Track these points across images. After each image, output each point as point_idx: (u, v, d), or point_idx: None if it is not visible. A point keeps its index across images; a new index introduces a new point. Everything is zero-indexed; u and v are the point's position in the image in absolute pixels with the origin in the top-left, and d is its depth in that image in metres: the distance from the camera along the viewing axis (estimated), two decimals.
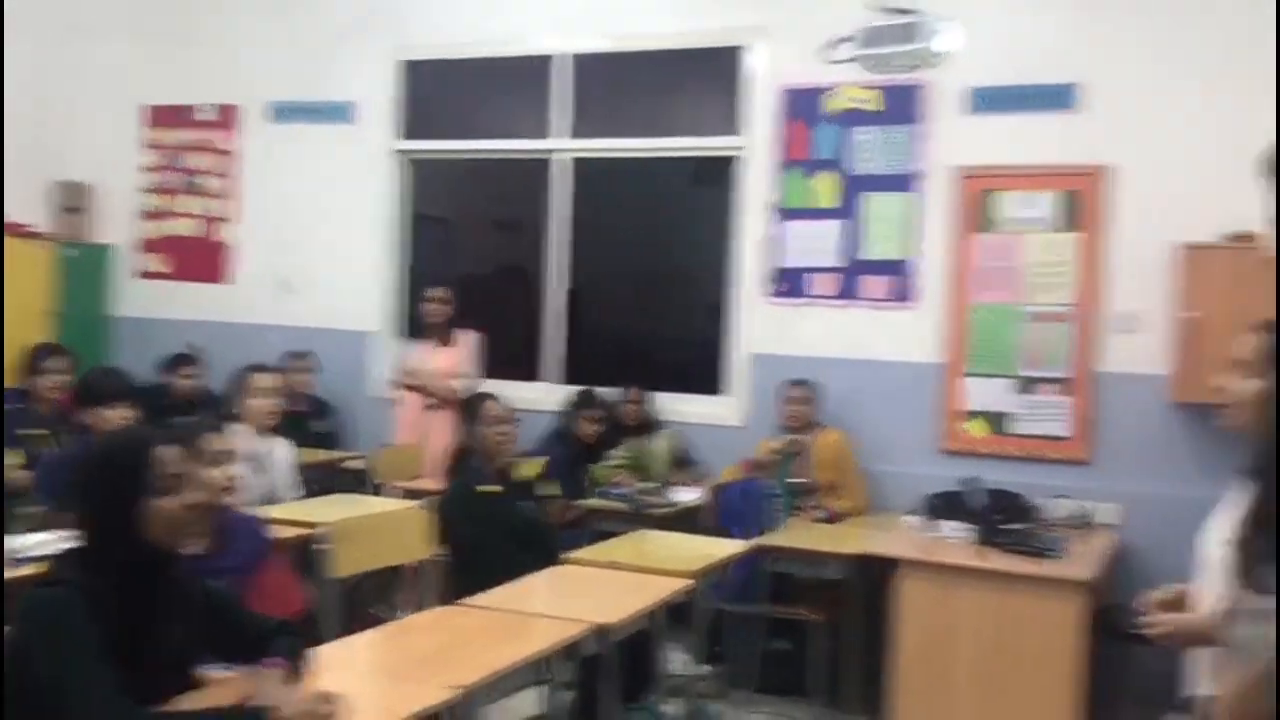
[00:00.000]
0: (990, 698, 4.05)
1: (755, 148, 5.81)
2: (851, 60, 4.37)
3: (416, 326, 6.23)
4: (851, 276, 5.61)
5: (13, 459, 4.25)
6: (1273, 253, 1.66)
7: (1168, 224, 4.93)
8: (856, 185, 5.60)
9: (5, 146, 6.74)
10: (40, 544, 3.10)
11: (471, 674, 2.59)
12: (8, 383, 4.98)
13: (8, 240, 6.57)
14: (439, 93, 6.69)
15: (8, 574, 3.01)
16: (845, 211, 5.63)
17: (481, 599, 3.26)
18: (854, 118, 5.60)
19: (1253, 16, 4.78)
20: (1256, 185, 1.74)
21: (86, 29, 7.16)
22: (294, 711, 2.12)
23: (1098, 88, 5.15)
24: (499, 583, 3.41)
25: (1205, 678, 2.12)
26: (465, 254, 7.26)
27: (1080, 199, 5.18)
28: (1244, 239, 4.57)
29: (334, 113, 6.72)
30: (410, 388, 6.05)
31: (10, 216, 6.70)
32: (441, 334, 6.07)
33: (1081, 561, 4.19)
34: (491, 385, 5.65)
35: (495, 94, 6.63)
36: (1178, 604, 2.24)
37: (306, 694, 2.22)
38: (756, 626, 4.76)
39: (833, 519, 5.09)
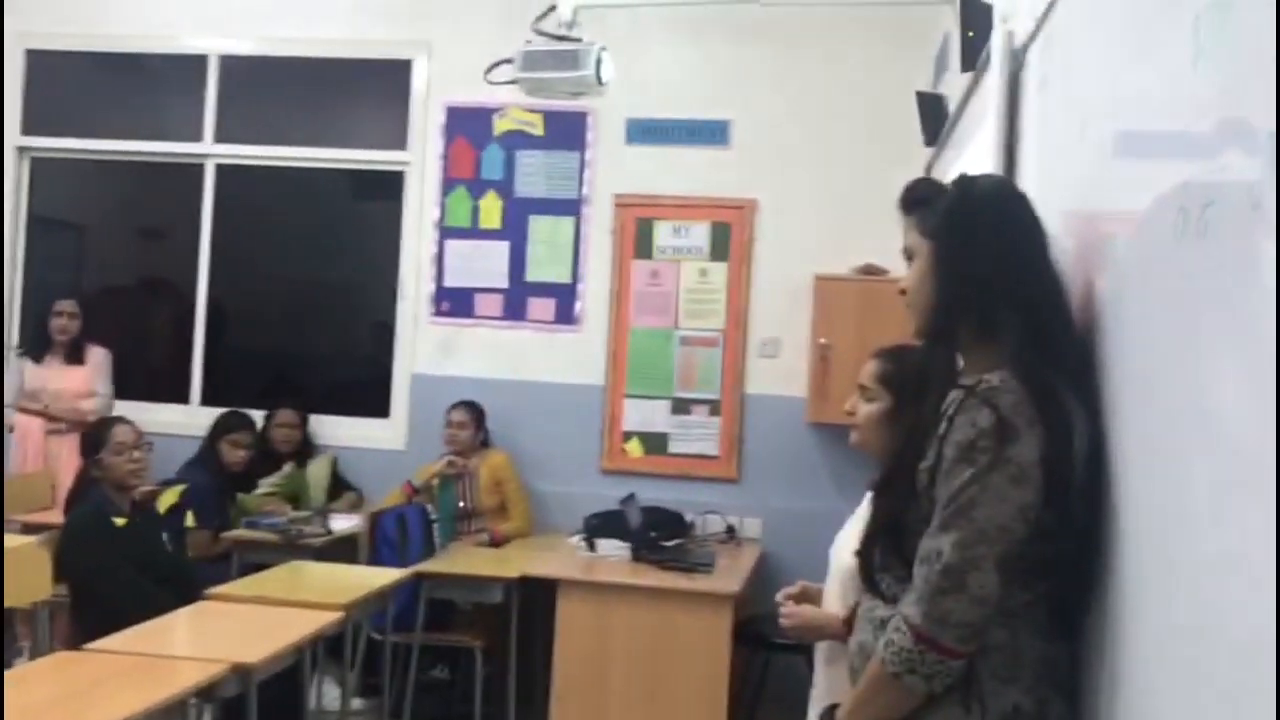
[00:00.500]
0: (644, 710, 4.15)
1: (421, 164, 5.72)
2: (512, 82, 4.38)
3: (40, 342, 5.64)
4: (517, 298, 5.63)
5: None
6: (906, 283, 1.80)
7: (805, 256, 5.29)
8: (522, 207, 5.64)
9: None
10: None
11: None
12: None
13: None
14: (70, 86, 6.12)
15: None
16: (511, 233, 5.65)
17: (108, 642, 2.99)
18: (519, 140, 5.64)
19: (892, 63, 5.21)
20: (894, 221, 1.88)
21: None
22: None
23: (746, 125, 5.46)
24: (131, 623, 3.14)
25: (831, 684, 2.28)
26: (101, 264, 6.68)
27: (730, 230, 5.46)
28: (873, 271, 4.99)
29: None
30: (30, 411, 5.47)
31: None
32: (69, 351, 5.54)
33: (729, 575, 4.40)
34: (129, 407, 5.21)
35: (137, 92, 6.15)
36: (808, 599, 2.43)
37: None
38: (415, 655, 4.65)
39: (496, 542, 5.07)
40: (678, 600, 4.17)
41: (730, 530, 5.18)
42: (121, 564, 3.71)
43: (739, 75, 5.48)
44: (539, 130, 5.61)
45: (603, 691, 4.18)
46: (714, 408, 5.45)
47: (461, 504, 5.10)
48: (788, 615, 2.39)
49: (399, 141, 5.79)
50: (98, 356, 5.61)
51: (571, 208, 5.59)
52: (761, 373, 5.42)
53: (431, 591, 4.48)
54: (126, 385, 5.72)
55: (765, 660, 4.57)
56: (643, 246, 5.53)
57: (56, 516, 4.37)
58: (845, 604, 2.25)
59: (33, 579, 3.67)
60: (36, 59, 6.03)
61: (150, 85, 6.12)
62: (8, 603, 3.70)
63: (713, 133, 5.47)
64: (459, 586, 4.50)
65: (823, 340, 5.08)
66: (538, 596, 4.44)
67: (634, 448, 5.49)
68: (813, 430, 5.23)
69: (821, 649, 2.44)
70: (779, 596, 2.46)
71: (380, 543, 4.81)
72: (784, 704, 3.24)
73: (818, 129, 5.39)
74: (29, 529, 4.56)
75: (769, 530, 5.28)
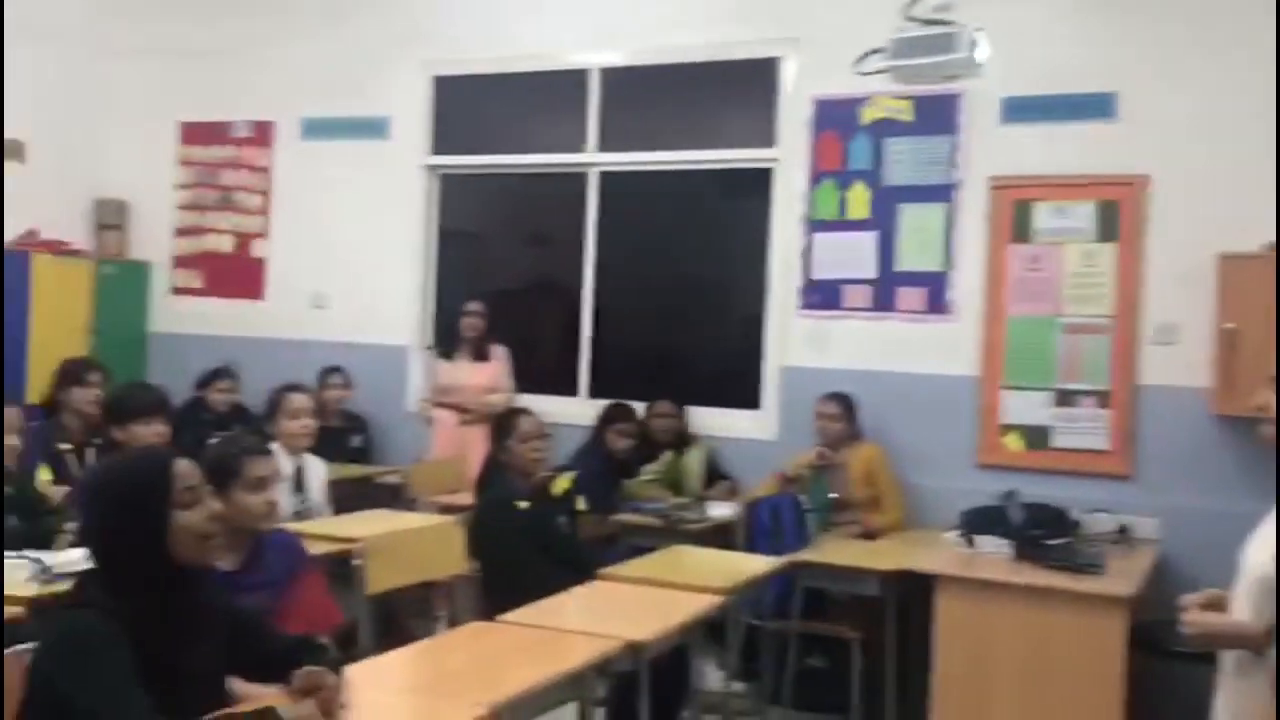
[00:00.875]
0: (1030, 715, 3.98)
1: (789, 159, 5.79)
2: (882, 72, 4.33)
3: (447, 340, 6.25)
4: (886, 288, 5.57)
5: (44, 474, 4.30)
6: None
7: (1207, 234, 4.85)
8: (890, 196, 5.56)
9: (45, 164, 6.84)
10: (79, 560, 3.11)
11: (504, 691, 2.57)
12: (42, 399, 5.02)
13: (49, 258, 6.65)
14: (469, 108, 6.71)
15: (47, 590, 3.03)
16: (879, 223, 5.58)
17: (515, 615, 3.24)
18: (887, 128, 5.56)
19: None
20: None
21: (122, 47, 7.24)
22: None
23: (1136, 96, 5.08)
24: (532, 599, 3.39)
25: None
26: (496, 269, 7.27)
27: (1118, 209, 5.11)
28: None
29: (367, 128, 6.76)
30: (444, 405, 6.06)
31: (50, 234, 6.79)
32: (476, 348, 6.10)
33: (1122, 577, 4.12)
34: (525, 400, 5.65)
35: (526, 108, 6.64)
36: (1215, 606, 2.25)
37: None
38: (792, 644, 4.71)
39: (869, 535, 5.04)
40: (1066, 602, 3.96)
41: (1122, 530, 4.85)
42: (524, 544, 4.03)
43: (1123, 44, 5.12)
44: (908, 116, 5.51)
45: (985, 692, 4.04)
46: (1103, 399, 5.12)
47: (833, 495, 5.11)
48: (1191, 623, 2.22)
49: (766, 139, 5.88)
50: (500, 354, 6.14)
51: (942, 194, 5.45)
52: (1157, 362, 5.04)
53: (807, 581, 4.53)
54: (521, 380, 6.21)
55: (1163, 669, 4.25)
56: (1020, 230, 5.29)
57: (467, 498, 4.82)
58: (1258, 612, 2.06)
59: (448, 555, 4.06)
60: (442, 85, 6.66)
61: (538, 101, 6.58)
62: (430, 575, 4.13)
63: (1097, 106, 5.14)
64: (834, 577, 4.52)
65: (1229, 325, 4.64)
66: (913, 591, 4.37)
67: (1013, 441, 5.27)
68: (1218, 423, 4.80)
69: (1228, 659, 2.24)
70: (1183, 601, 2.29)
71: (755, 530, 4.91)
72: (1183, 716, 3.01)
73: (1213, 97, 4.93)
74: (445, 509, 5.05)
75: (1168, 531, 4.90)
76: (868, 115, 5.60)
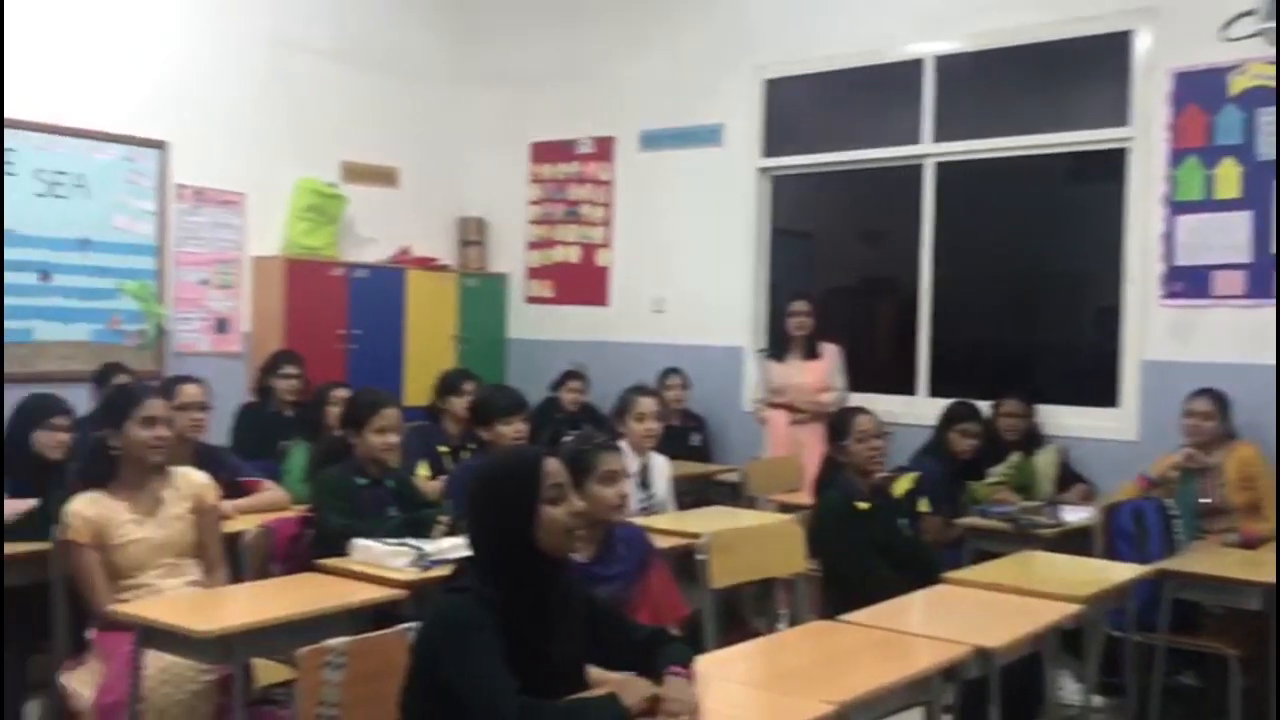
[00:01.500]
0: None
1: (1145, 138, 5.38)
2: (1254, 36, 3.93)
3: (777, 342, 6.29)
4: (1261, 273, 5.05)
5: (423, 471, 4.77)
6: None
7: None
8: (1265, 172, 5.05)
9: (415, 189, 7.51)
10: (453, 548, 3.39)
11: (850, 691, 2.54)
12: (422, 402, 5.53)
13: (420, 273, 7.30)
14: (800, 108, 6.72)
15: (424, 575, 3.32)
16: (1253, 201, 5.08)
17: (858, 616, 3.20)
18: (1260, 98, 5.05)
19: None
20: None
21: (478, 75, 7.82)
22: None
23: None
24: (873, 600, 3.34)
25: None
26: (828, 267, 7.24)
27: None
28: None
29: (702, 136, 6.93)
30: (776, 405, 6.10)
31: (420, 251, 7.44)
32: (805, 348, 6.09)
33: None
34: (860, 399, 5.58)
35: (857, 104, 6.56)
36: None
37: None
38: (1159, 658, 4.36)
39: (1248, 544, 4.58)
40: None
41: None
42: (864, 545, 3.98)
43: None
44: None
45: None
46: None
47: (1205, 500, 4.69)
48: None
49: (1118, 117, 5.50)
50: (831, 352, 6.10)
51: None
52: None
53: (1176, 592, 4.17)
54: (856, 378, 6.14)
55: None
56: None
57: (804, 497, 4.83)
58: None
59: (789, 553, 4.07)
60: (774, 87, 6.72)
61: (868, 95, 6.49)
62: (771, 572, 4.17)
63: None
64: (1208, 589, 4.14)
65: None
66: None
67: None
68: None
69: None
70: None
71: (1116, 537, 4.59)
72: None
73: None
74: (783, 508, 5.09)
75: None
76: (1237, 85, 5.11)
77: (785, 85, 6.69)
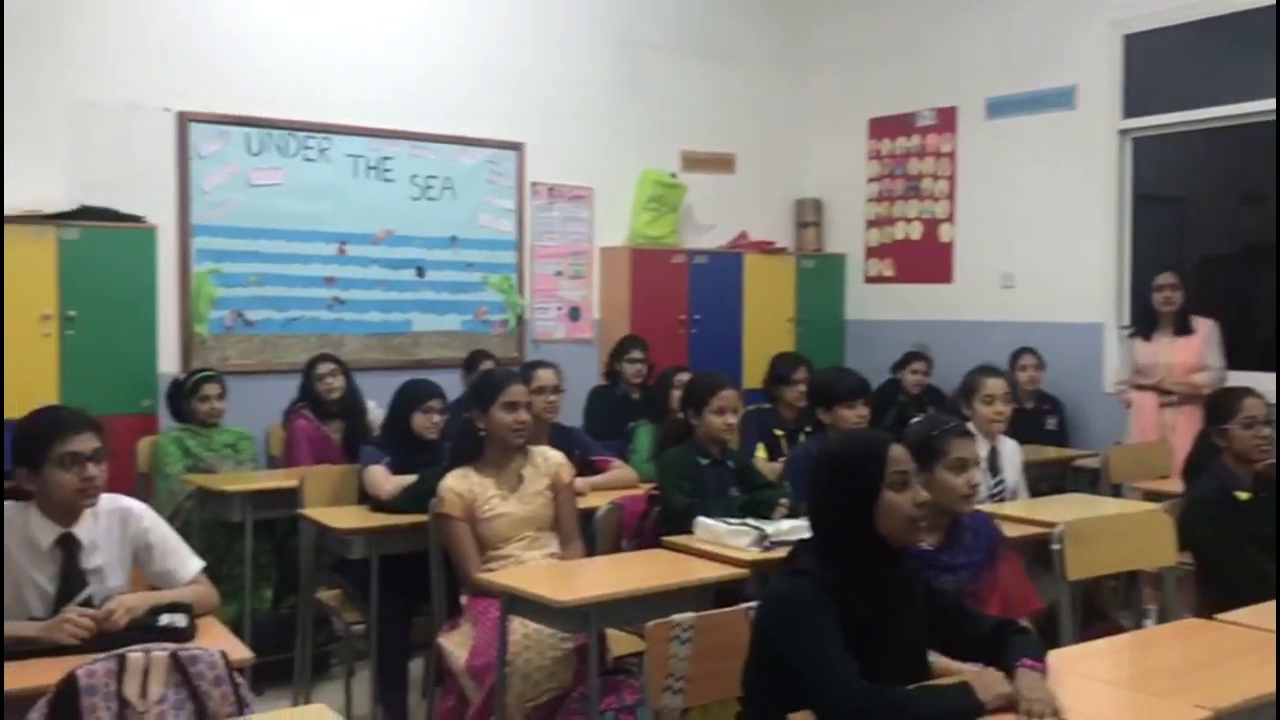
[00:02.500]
0: None
1: None
2: None
3: (1143, 318, 5.80)
4: None
5: (760, 453, 4.83)
6: None
7: None
8: None
9: (752, 173, 7.59)
10: (793, 530, 3.41)
11: (1226, 697, 2.32)
12: (760, 385, 5.57)
13: (758, 257, 7.37)
14: (1164, 62, 6.18)
15: (764, 556, 3.35)
16: None
17: (1238, 615, 2.92)
18: None
19: None
20: None
21: (815, 55, 7.78)
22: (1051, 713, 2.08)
23: None
24: (1252, 599, 3.03)
25: None
26: (1202, 234, 6.61)
27: None
28: None
29: (1052, 100, 6.55)
30: (1142, 386, 5.65)
31: (757, 235, 7.51)
32: (1176, 323, 5.60)
33: None
34: (1238, 377, 5.07)
35: (1230, 55, 5.95)
36: None
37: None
38: None
39: None
40: None
41: None
42: (1241, 539, 3.61)
43: None
44: None
45: None
46: None
47: None
48: None
49: None
50: (1206, 328, 5.57)
51: None
52: None
53: None
54: (1234, 355, 5.58)
55: None
56: None
57: (1175, 485, 4.45)
58: None
59: (1156, 545, 3.76)
60: (1133, 42, 6.22)
61: (1241, 45, 5.87)
62: (1135, 564, 3.88)
63: None
64: None
65: None
66: None
67: None
68: None
69: None
70: None
71: None
72: None
73: None
74: (1149, 496, 4.72)
75: None
76: None
77: (1147, 39, 6.17)
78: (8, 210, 5.09)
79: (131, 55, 5.60)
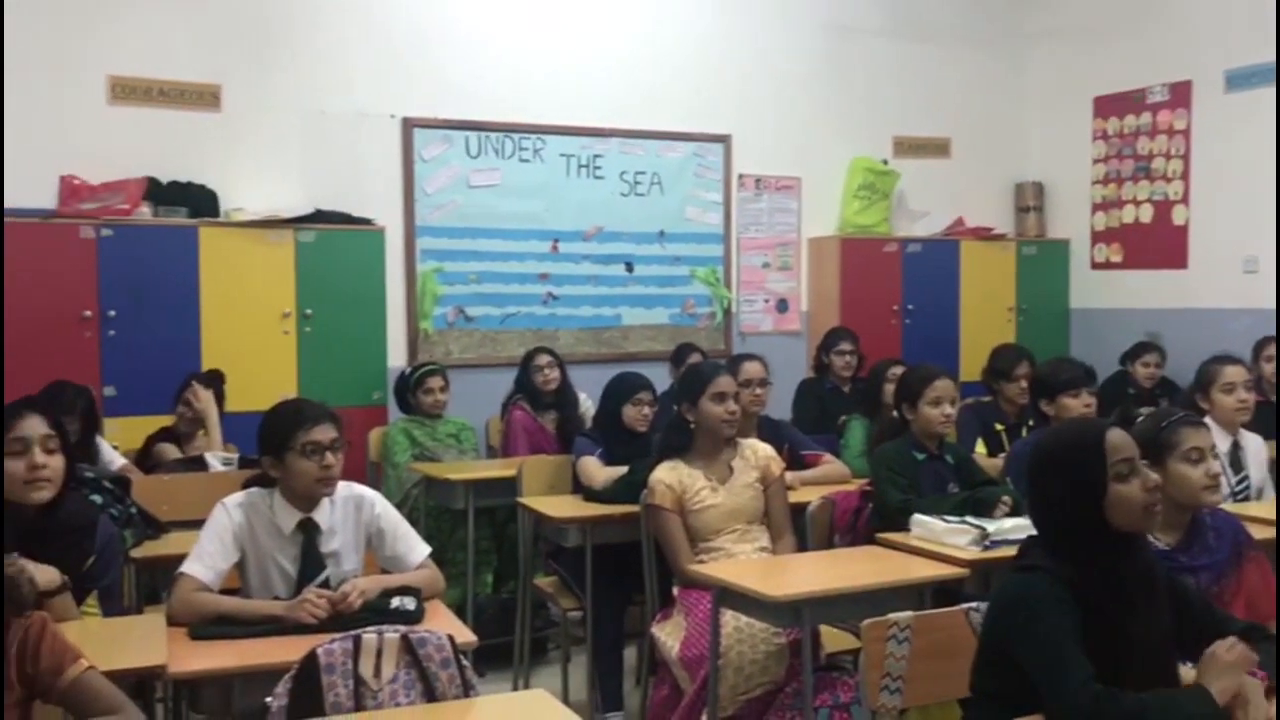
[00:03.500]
0: None
1: None
2: None
3: None
4: None
5: (980, 448, 4.64)
6: None
7: None
8: None
9: (968, 158, 7.34)
10: (1015, 528, 3.28)
11: None
12: (978, 377, 5.36)
13: (975, 244, 7.12)
14: None
15: (988, 555, 3.23)
16: None
17: None
18: None
19: None
20: None
21: (1035, 32, 7.45)
22: None
23: None
24: None
25: None
26: None
27: None
28: None
29: None
30: None
31: (974, 221, 7.25)
32: None
33: None
34: None
35: None
36: None
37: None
38: None
39: None
40: None
41: None
42: None
43: None
44: None
45: None
46: None
47: None
48: None
49: None
50: None
51: None
52: None
53: None
54: None
55: None
56: None
57: None
58: None
59: None
60: None
61: None
62: None
63: None
64: None
65: None
66: None
67: None
68: None
69: None
70: None
71: None
72: None
73: None
74: None
75: None
76: None
77: None
78: (251, 215, 5.47)
79: (360, 66, 5.91)
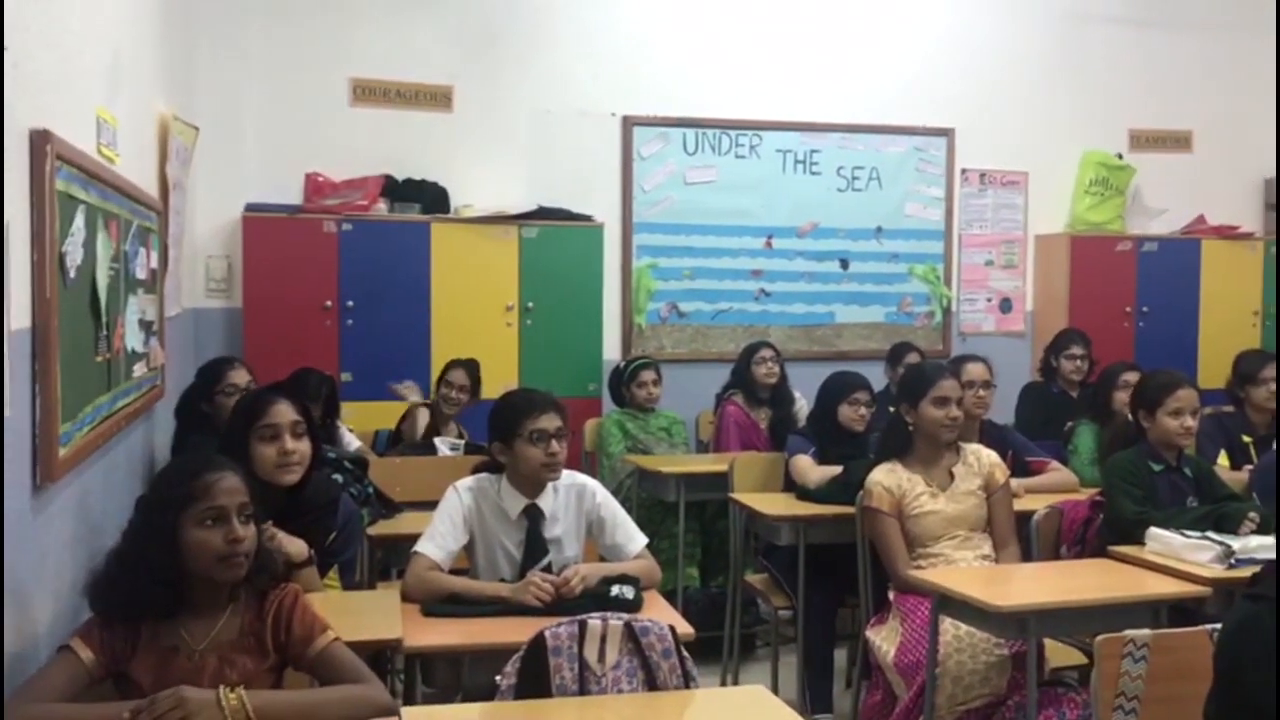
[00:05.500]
0: None
1: None
2: None
3: None
4: None
5: (1223, 460, 4.37)
6: None
7: None
8: None
9: (1212, 152, 6.90)
10: (1262, 547, 3.07)
11: None
12: (1219, 385, 5.02)
13: (1220, 243, 6.68)
14: None
15: (1231, 574, 3.04)
16: None
17: None
18: None
19: None
20: None
21: None
22: None
23: None
24: None
25: None
26: None
27: None
28: None
29: None
30: None
31: (1218, 219, 6.81)
32: None
33: None
34: None
35: None
36: None
37: None
38: None
39: None
40: None
41: None
42: None
43: None
44: None
45: None
46: None
47: None
48: None
49: None
50: None
51: None
52: None
53: None
54: None
55: None
56: None
57: None
58: None
59: None
60: None
61: None
62: None
63: None
64: None
65: None
66: None
67: None
68: None
69: None
70: None
71: None
72: None
73: None
74: None
75: None
76: None
77: None
78: (479, 211, 5.69)
79: (582, 66, 6.05)
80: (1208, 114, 6.92)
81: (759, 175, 6.32)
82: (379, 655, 2.68)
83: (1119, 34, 6.76)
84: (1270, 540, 3.14)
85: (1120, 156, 6.71)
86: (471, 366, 5.04)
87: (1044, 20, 6.66)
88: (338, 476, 3.48)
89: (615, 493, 4.91)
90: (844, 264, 6.48)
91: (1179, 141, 6.92)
